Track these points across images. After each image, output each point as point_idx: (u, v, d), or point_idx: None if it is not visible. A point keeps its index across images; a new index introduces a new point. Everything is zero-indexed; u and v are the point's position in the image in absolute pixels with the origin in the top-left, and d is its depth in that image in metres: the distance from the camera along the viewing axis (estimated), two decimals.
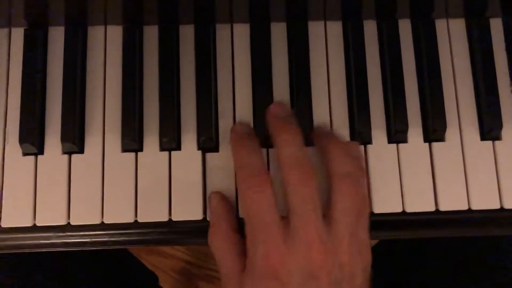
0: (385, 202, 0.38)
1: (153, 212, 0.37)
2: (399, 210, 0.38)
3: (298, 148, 0.35)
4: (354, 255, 0.34)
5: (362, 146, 0.39)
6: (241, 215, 0.37)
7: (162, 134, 0.38)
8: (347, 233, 0.34)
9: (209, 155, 0.38)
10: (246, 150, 0.36)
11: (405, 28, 0.41)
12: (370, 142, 0.39)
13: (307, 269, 0.32)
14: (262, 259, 0.33)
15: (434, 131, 0.39)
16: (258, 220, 0.33)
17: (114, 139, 0.38)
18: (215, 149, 0.39)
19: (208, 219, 0.38)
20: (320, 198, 0.34)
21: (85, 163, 0.38)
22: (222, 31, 0.40)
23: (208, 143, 0.38)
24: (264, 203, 0.33)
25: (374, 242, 0.64)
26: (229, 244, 0.35)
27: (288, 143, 0.35)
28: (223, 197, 0.37)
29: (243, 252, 0.35)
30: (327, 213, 0.34)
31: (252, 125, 0.39)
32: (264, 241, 0.33)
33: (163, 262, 0.96)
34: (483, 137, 0.39)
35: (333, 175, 0.35)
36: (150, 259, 0.93)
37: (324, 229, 0.33)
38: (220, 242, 0.36)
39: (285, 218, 0.34)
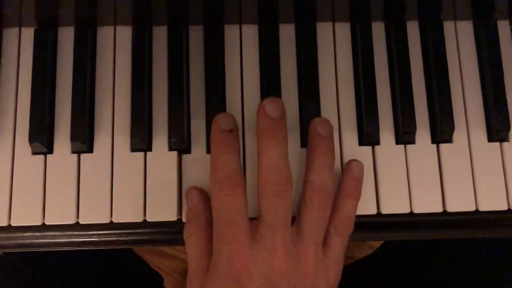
0: (393, 203, 0.38)
1: (162, 211, 0.38)
2: (407, 211, 0.38)
3: (280, 156, 0.35)
4: (316, 267, 0.34)
5: (370, 147, 0.39)
6: None
7: (171, 134, 0.38)
8: (313, 245, 0.34)
9: None
10: (223, 149, 0.35)
11: (413, 29, 0.41)
12: (378, 143, 0.39)
13: (268, 275, 0.33)
14: (226, 260, 0.33)
15: (442, 133, 0.39)
16: (226, 221, 0.34)
17: (123, 139, 0.39)
18: None
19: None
20: (293, 209, 0.35)
21: (94, 162, 0.38)
22: (231, 32, 0.41)
23: None
24: (235, 207, 0.34)
25: (379, 243, 0.64)
26: (203, 242, 0.36)
27: (271, 148, 0.35)
28: (203, 193, 0.37)
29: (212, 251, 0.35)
30: (297, 221, 0.35)
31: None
32: (230, 242, 0.33)
33: (165, 263, 0.96)
34: (491, 139, 0.39)
35: (305, 183, 0.35)
36: (153, 260, 0.93)
37: (290, 238, 0.34)
38: (195, 239, 0.36)
39: (253, 222, 0.35)
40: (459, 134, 0.39)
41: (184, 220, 0.38)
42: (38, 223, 0.37)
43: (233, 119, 0.36)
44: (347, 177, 0.37)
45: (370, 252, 0.74)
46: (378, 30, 0.41)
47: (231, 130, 0.35)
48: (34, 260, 0.50)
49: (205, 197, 0.37)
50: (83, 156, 0.38)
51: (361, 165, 0.38)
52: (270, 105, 0.35)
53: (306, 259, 0.34)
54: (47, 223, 0.37)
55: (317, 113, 0.39)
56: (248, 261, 0.33)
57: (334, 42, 0.41)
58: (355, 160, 0.38)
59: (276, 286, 0.33)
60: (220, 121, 0.36)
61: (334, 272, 0.36)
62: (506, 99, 0.40)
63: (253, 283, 0.33)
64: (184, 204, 0.38)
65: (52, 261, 0.50)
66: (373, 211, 0.38)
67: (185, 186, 0.38)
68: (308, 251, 0.34)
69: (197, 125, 0.39)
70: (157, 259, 0.94)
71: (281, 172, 0.34)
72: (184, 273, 0.97)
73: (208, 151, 0.39)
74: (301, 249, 0.34)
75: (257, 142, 0.36)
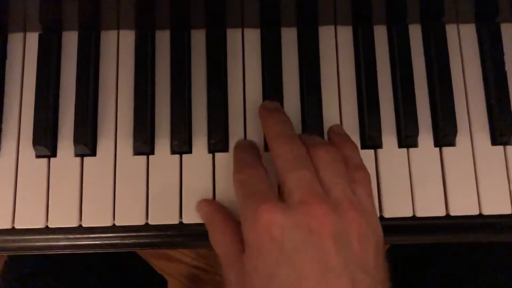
0: (396, 207, 0.38)
1: (164, 215, 0.38)
2: (410, 215, 0.38)
3: (286, 127, 0.35)
4: (357, 212, 0.30)
5: (373, 151, 0.39)
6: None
7: (173, 137, 0.38)
8: (340, 188, 0.31)
9: (218, 156, 0.38)
10: (243, 148, 0.37)
11: (415, 33, 0.41)
12: (380, 147, 0.39)
13: (306, 223, 0.29)
14: (253, 215, 0.30)
15: (444, 136, 0.39)
16: (250, 192, 0.32)
17: (126, 142, 0.39)
18: (226, 152, 0.39)
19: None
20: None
21: (97, 165, 0.38)
22: (233, 36, 0.41)
23: (219, 146, 0.38)
24: (256, 177, 0.33)
25: (386, 247, 0.64)
26: (228, 236, 0.34)
27: (276, 124, 0.35)
28: (210, 200, 0.37)
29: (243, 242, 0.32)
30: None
31: (262, 130, 0.39)
32: (255, 205, 0.30)
33: (171, 266, 0.96)
34: (494, 142, 0.39)
35: (307, 147, 0.34)
36: (158, 264, 0.94)
37: (320, 187, 0.31)
38: (219, 236, 0.35)
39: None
40: (462, 138, 0.39)
41: (185, 222, 0.38)
42: (42, 226, 0.38)
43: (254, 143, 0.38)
44: (331, 135, 0.38)
45: None
46: (380, 34, 0.41)
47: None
48: (37, 263, 0.50)
49: (213, 202, 0.37)
50: (86, 159, 0.39)
51: (338, 125, 0.39)
52: (268, 102, 0.38)
53: (343, 205, 0.30)
54: (50, 226, 0.38)
55: (319, 116, 0.39)
56: (278, 214, 0.29)
57: (336, 46, 0.41)
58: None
59: (317, 233, 0.28)
60: (241, 143, 0.38)
61: (376, 221, 0.32)
62: (509, 102, 0.39)
63: (289, 237, 0.29)
64: (187, 207, 0.38)
65: (55, 264, 0.51)
66: None
67: (185, 186, 0.38)
68: (342, 197, 0.31)
69: (202, 128, 0.39)
70: (161, 262, 0.95)
71: (291, 136, 0.34)
72: (188, 277, 0.97)
73: (210, 152, 0.39)
74: (333, 198, 0.31)
75: (264, 130, 0.37)
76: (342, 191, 0.31)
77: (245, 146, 0.38)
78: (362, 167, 0.35)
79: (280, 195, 0.33)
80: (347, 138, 0.37)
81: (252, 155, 0.36)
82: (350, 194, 0.32)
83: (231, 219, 0.36)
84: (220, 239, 0.35)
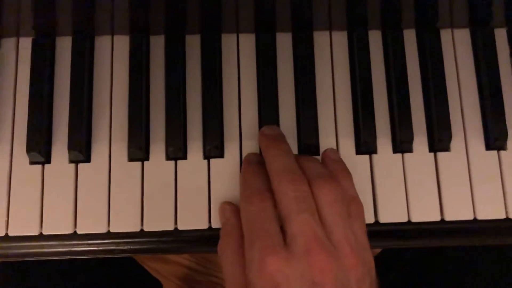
0: (391, 212, 0.38)
1: (159, 221, 0.38)
2: (405, 220, 0.38)
3: (288, 159, 0.35)
4: (357, 257, 0.32)
5: (367, 156, 0.39)
6: None
7: (168, 143, 0.38)
8: (342, 231, 0.32)
9: (214, 162, 0.38)
10: (251, 170, 0.36)
11: (410, 38, 0.41)
12: (375, 152, 0.39)
13: (309, 275, 0.30)
14: (258, 267, 0.31)
15: (439, 141, 0.39)
16: (256, 230, 0.32)
17: (120, 148, 0.39)
18: (221, 158, 0.39)
19: (213, 226, 0.38)
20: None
21: (91, 172, 0.38)
22: (228, 41, 0.41)
23: (214, 152, 0.38)
24: (264, 214, 0.33)
25: (377, 251, 0.64)
26: (240, 257, 0.34)
27: (278, 156, 0.35)
28: (236, 208, 0.37)
29: None
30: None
31: (257, 135, 0.39)
32: (261, 248, 0.31)
33: (166, 268, 0.96)
34: (488, 147, 0.39)
35: (308, 181, 0.34)
36: (153, 266, 0.93)
37: (322, 231, 0.32)
38: (231, 254, 0.35)
39: (282, 230, 0.33)
40: (456, 143, 0.39)
41: (180, 228, 0.38)
42: (36, 233, 0.37)
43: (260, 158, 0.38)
44: (326, 161, 0.37)
45: None
46: (375, 39, 0.41)
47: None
48: (34, 268, 0.50)
49: (238, 212, 0.36)
50: (80, 165, 0.38)
51: (333, 149, 0.39)
52: (267, 128, 0.38)
53: (343, 250, 0.31)
54: (44, 233, 0.38)
55: (314, 121, 0.39)
56: (282, 263, 0.30)
57: (331, 51, 0.41)
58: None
59: (320, 285, 0.30)
60: (249, 157, 0.38)
61: (369, 256, 0.34)
62: (503, 107, 0.40)
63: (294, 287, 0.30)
64: (182, 213, 0.38)
65: (50, 267, 0.50)
66: (370, 220, 0.38)
67: (180, 192, 0.38)
68: (342, 240, 0.32)
69: (196, 133, 0.39)
70: (156, 264, 0.94)
71: (293, 170, 0.34)
72: (185, 279, 0.97)
73: (205, 158, 0.39)
74: (335, 241, 0.32)
75: (265, 160, 0.36)
76: (343, 233, 0.32)
77: (256, 168, 0.36)
78: (356, 200, 0.36)
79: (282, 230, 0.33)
80: (343, 166, 0.37)
81: (261, 181, 0.35)
82: (350, 234, 0.33)
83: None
84: (229, 259, 0.35)
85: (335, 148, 0.39)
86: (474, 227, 0.39)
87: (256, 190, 0.34)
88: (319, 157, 0.39)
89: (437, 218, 0.38)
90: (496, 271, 0.48)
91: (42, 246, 0.38)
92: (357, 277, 0.31)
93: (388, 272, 0.58)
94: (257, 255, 0.31)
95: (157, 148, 0.39)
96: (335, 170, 0.36)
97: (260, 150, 0.39)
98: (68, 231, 0.38)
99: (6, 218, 0.37)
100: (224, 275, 0.35)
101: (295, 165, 0.34)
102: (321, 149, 0.39)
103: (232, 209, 0.37)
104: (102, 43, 0.40)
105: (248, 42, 0.41)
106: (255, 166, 0.37)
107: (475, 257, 0.49)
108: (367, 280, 0.32)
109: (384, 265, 0.59)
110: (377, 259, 0.62)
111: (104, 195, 0.38)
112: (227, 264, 0.35)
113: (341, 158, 0.38)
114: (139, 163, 0.38)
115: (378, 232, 0.39)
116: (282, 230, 0.32)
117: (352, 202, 0.35)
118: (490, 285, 0.47)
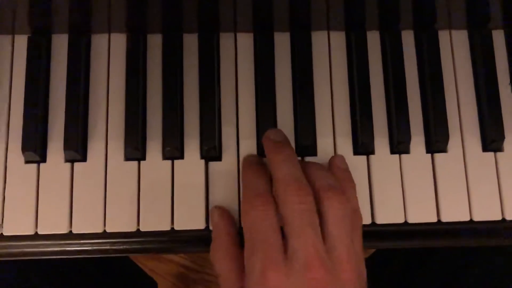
0: (387, 213, 0.38)
1: (155, 221, 0.37)
2: (401, 221, 0.38)
3: (294, 167, 0.34)
4: (354, 272, 0.33)
5: (365, 157, 0.39)
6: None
7: (165, 143, 0.38)
8: (345, 248, 0.33)
9: (212, 164, 0.38)
10: (253, 172, 0.36)
11: (408, 39, 0.41)
12: (372, 153, 0.39)
13: None
14: (259, 278, 0.31)
15: (436, 142, 0.39)
16: (258, 237, 0.33)
17: (117, 148, 0.38)
18: (218, 158, 0.39)
19: (210, 228, 0.38)
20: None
21: (87, 171, 0.38)
22: (225, 40, 0.40)
23: (211, 152, 0.38)
24: (266, 221, 0.33)
25: (371, 251, 0.64)
26: (230, 259, 0.35)
27: (283, 162, 0.35)
28: (224, 212, 0.37)
29: (243, 267, 0.34)
30: (321, 228, 0.34)
31: (255, 136, 0.39)
32: (262, 258, 0.32)
33: (160, 266, 0.96)
34: (485, 148, 0.39)
35: (318, 190, 0.34)
36: (148, 264, 0.93)
37: (323, 247, 0.32)
38: (221, 257, 0.36)
39: (284, 238, 0.33)
40: (453, 144, 0.39)
41: (177, 228, 0.38)
42: (31, 232, 0.37)
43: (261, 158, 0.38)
44: (334, 169, 0.37)
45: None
46: (373, 39, 0.41)
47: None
48: (28, 266, 0.50)
49: (226, 215, 0.37)
50: (76, 165, 0.38)
51: (342, 157, 0.38)
52: (272, 132, 0.37)
53: (342, 266, 0.32)
54: (40, 232, 0.37)
55: (312, 122, 0.39)
56: (282, 278, 0.31)
57: (329, 51, 0.41)
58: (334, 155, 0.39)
59: None
60: (249, 157, 0.38)
61: (363, 266, 0.34)
62: (500, 109, 0.40)
63: None
64: (178, 213, 0.38)
65: (45, 266, 0.50)
66: (367, 220, 0.38)
67: (177, 192, 0.38)
68: (341, 257, 0.32)
69: (194, 133, 0.39)
70: (151, 263, 0.94)
71: (299, 179, 0.33)
72: (179, 277, 0.97)
73: (202, 157, 0.38)
74: (334, 256, 0.32)
75: (269, 165, 0.36)
76: (346, 250, 0.33)
77: (257, 168, 0.36)
78: (358, 212, 0.36)
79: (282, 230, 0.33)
80: (350, 176, 0.37)
81: (263, 182, 0.35)
82: (351, 250, 0.33)
83: (235, 242, 0.36)
84: (221, 262, 0.35)
85: (332, 148, 0.39)
86: (470, 228, 0.39)
87: (257, 193, 0.34)
88: (319, 160, 0.39)
89: (434, 219, 0.38)
90: (488, 272, 0.48)
91: (37, 246, 0.38)
92: None
93: (382, 272, 0.58)
94: (258, 266, 0.32)
95: (154, 148, 0.38)
96: (343, 180, 0.36)
97: (258, 151, 0.39)
98: (64, 230, 0.37)
99: (1, 218, 0.37)
100: (217, 276, 0.36)
101: (300, 173, 0.34)
102: (319, 150, 0.39)
103: (219, 213, 0.37)
104: (99, 41, 0.40)
105: (246, 41, 0.40)
106: (255, 167, 0.37)
107: (467, 257, 0.49)
108: None
109: (378, 265, 0.59)
110: (371, 259, 0.62)
111: (100, 195, 0.38)
112: (219, 267, 0.35)
113: (348, 167, 0.38)
114: (135, 163, 0.38)
115: (375, 232, 0.39)
116: (283, 230, 0.33)
117: (353, 214, 0.35)
118: (483, 285, 0.47)
